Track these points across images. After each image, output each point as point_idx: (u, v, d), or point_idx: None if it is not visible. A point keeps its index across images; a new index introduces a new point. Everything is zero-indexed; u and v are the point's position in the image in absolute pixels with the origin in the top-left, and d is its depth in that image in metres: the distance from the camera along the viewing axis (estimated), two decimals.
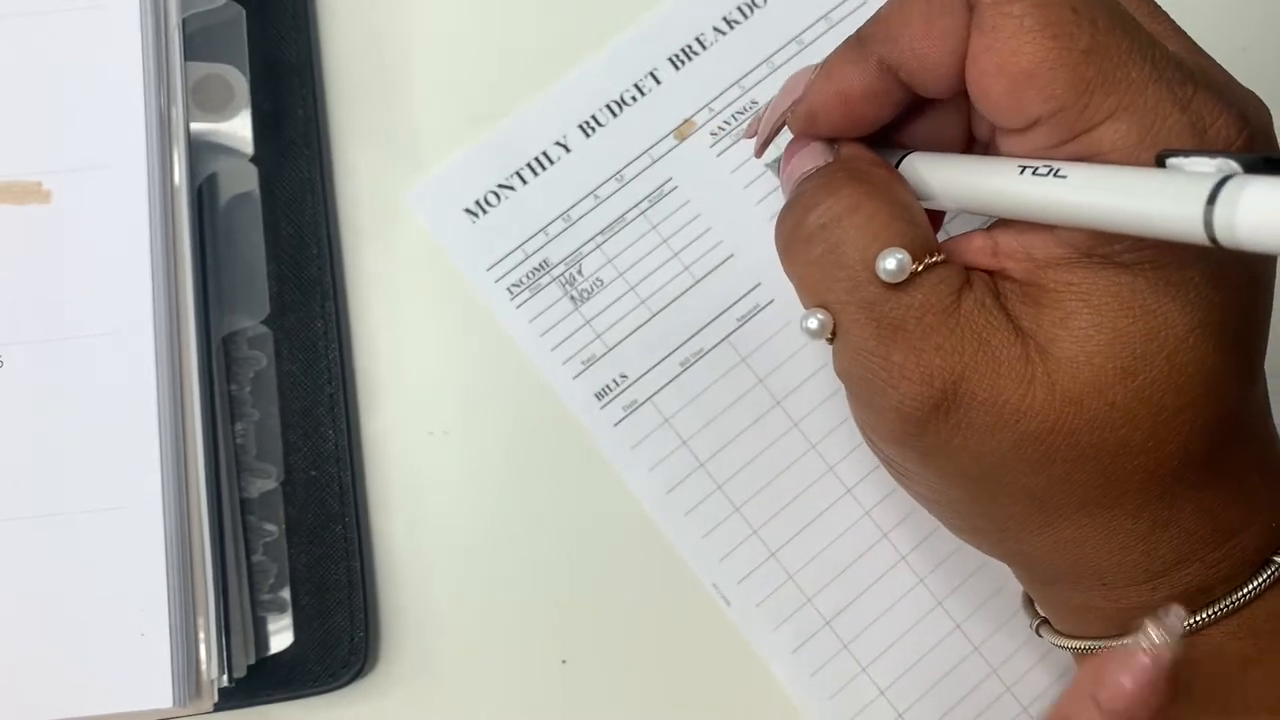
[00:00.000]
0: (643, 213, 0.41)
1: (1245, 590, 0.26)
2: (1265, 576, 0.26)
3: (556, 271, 0.40)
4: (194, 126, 0.39)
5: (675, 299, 0.40)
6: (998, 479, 0.25)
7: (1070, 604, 0.29)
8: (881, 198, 0.26)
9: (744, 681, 0.38)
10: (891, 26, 0.26)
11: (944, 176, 0.26)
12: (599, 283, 0.40)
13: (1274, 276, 0.26)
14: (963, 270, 0.25)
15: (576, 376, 0.39)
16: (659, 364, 0.40)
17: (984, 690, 0.38)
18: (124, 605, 0.35)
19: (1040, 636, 0.31)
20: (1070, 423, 0.24)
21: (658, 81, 0.42)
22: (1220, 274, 0.24)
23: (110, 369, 0.36)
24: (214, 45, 0.40)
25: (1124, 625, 0.27)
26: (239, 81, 0.40)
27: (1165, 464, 0.25)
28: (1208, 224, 0.19)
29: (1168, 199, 0.20)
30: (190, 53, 0.39)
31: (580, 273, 0.40)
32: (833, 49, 0.28)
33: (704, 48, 0.42)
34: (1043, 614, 0.31)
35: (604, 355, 0.40)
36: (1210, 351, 0.24)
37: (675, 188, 0.41)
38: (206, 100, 0.39)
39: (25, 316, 0.36)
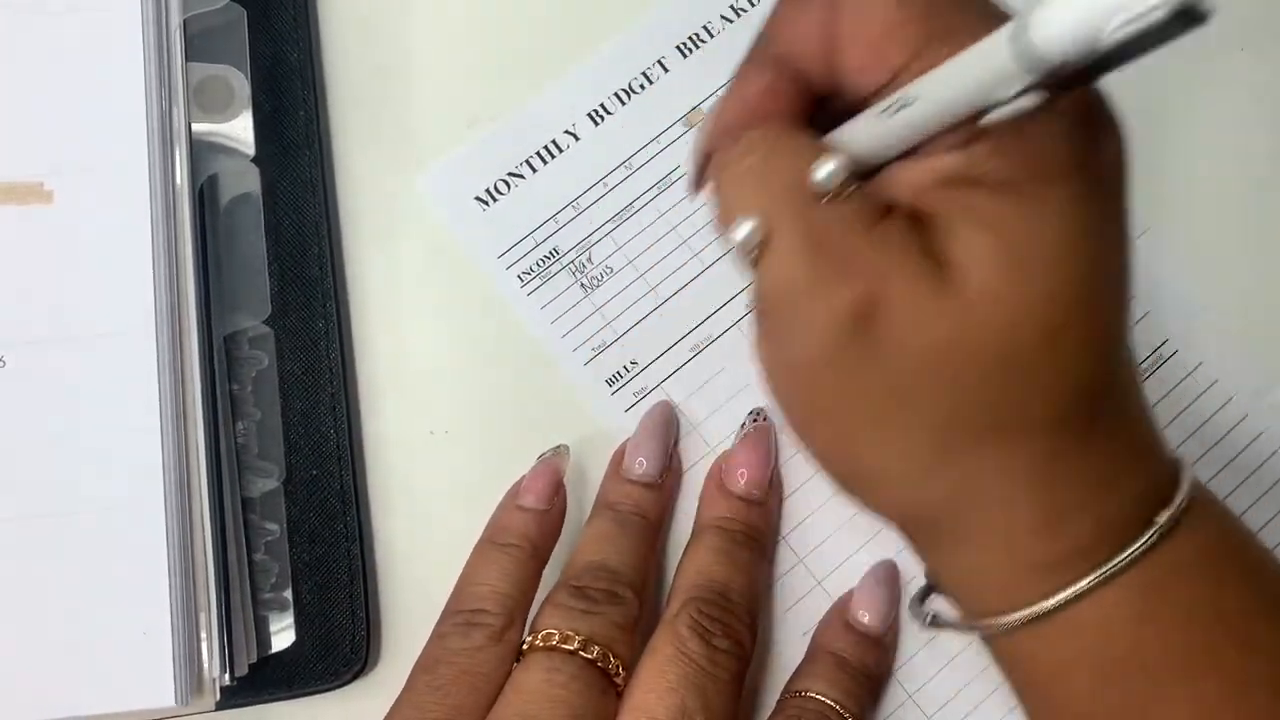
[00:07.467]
0: (651, 200, 0.40)
1: (1140, 542, 0.26)
2: (1154, 529, 0.26)
3: (567, 259, 0.39)
4: (195, 127, 0.39)
5: (684, 285, 0.39)
6: (906, 403, 0.26)
7: (969, 570, 0.28)
8: (808, 133, 0.27)
9: None
10: (776, 25, 0.28)
11: (837, 140, 0.27)
12: (609, 270, 0.39)
13: (1126, 218, 0.26)
14: (879, 198, 0.26)
15: (587, 363, 0.38)
16: (669, 350, 0.38)
17: None
18: (126, 604, 0.34)
19: (936, 628, 0.31)
20: (974, 337, 0.25)
21: (666, 70, 0.41)
22: (1083, 196, 0.25)
23: (112, 369, 0.36)
24: (215, 46, 0.40)
25: (1019, 596, 0.27)
26: (240, 82, 0.39)
27: (1059, 384, 0.25)
28: (1019, 53, 0.20)
29: (980, 55, 0.21)
30: (191, 54, 0.39)
31: (590, 260, 0.39)
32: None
33: (711, 35, 0.42)
34: (932, 608, 0.31)
35: (614, 342, 0.38)
36: (1086, 272, 0.25)
37: (683, 175, 0.40)
38: (208, 101, 0.39)
39: (27, 316, 0.36)
